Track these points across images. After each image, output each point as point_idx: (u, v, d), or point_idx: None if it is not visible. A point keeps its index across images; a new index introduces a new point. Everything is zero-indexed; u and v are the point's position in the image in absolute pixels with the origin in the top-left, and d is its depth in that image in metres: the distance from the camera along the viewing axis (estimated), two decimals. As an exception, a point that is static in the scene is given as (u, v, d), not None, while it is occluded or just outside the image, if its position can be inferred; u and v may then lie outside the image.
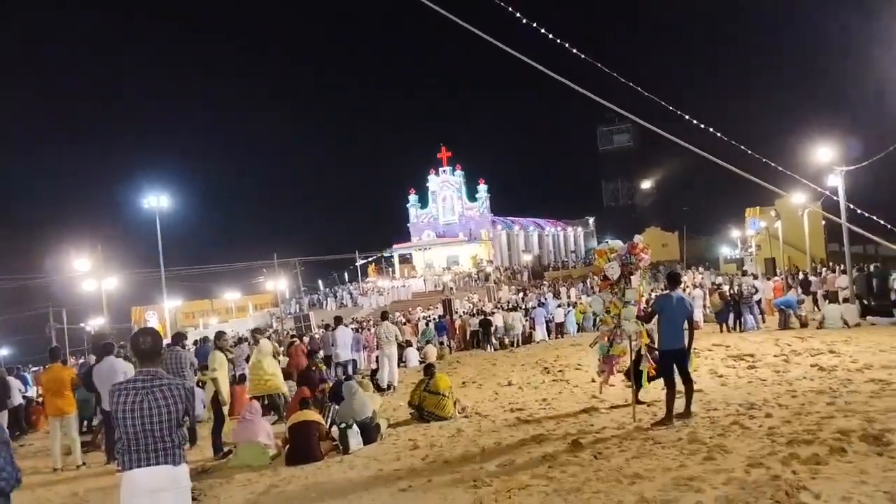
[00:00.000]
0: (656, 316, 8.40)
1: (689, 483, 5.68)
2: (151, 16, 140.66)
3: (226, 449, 9.68)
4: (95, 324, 37.23)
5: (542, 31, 10.34)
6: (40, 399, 15.73)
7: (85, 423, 12.86)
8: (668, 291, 8.64)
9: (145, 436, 3.88)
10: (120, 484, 3.98)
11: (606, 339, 8.96)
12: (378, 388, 14.74)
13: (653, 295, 9.27)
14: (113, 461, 9.87)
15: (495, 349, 24.82)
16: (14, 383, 13.87)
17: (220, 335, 11.45)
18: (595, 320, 29.22)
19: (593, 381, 12.42)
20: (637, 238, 8.79)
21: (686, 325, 8.49)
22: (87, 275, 31.89)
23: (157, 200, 32.03)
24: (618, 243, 8.91)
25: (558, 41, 10.55)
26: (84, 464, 9.93)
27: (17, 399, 14.13)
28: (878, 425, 6.75)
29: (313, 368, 12.72)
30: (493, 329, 26.05)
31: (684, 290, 13.15)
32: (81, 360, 22.77)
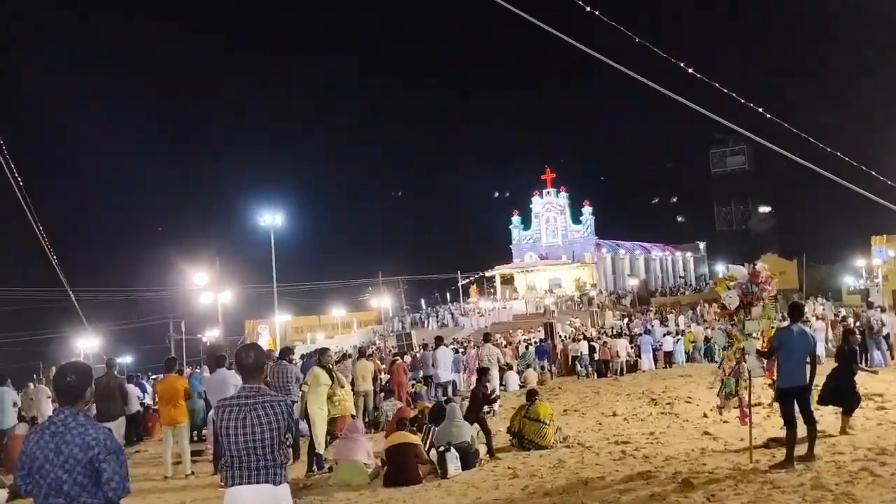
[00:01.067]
0: (777, 351, 7.86)
1: (814, 535, 5.22)
2: (273, 34, 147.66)
3: (326, 466, 9.76)
4: (211, 335, 38.95)
5: (657, 49, 10.04)
6: (156, 407, 16.50)
7: (195, 433, 13.32)
8: (788, 324, 8.09)
9: (248, 453, 3.89)
10: (223, 499, 4.02)
11: (728, 374, 8.39)
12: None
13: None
14: (220, 472, 10.16)
15: (579, 376, 24.45)
16: (133, 391, 14.55)
17: (323, 352, 11.45)
18: (705, 350, 28.31)
19: (705, 415, 11.82)
20: (760, 266, 8.27)
21: (808, 361, 7.89)
22: (205, 288, 33.47)
23: (271, 218, 33.28)
24: (740, 270, 8.38)
25: (673, 60, 10.21)
26: (193, 473, 10.24)
27: (135, 406, 14.82)
28: None
29: (483, 387, 12.21)
30: (578, 356, 25.61)
31: (805, 322, 12.20)
32: (196, 370, 23.78)
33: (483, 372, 12.24)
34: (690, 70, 10.14)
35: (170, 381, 10.46)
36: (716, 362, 24.47)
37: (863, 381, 14.05)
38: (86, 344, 31.71)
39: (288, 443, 4.12)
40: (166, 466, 10.22)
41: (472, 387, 16.82)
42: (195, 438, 12.91)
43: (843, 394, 9.49)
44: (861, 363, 17.53)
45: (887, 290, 40.91)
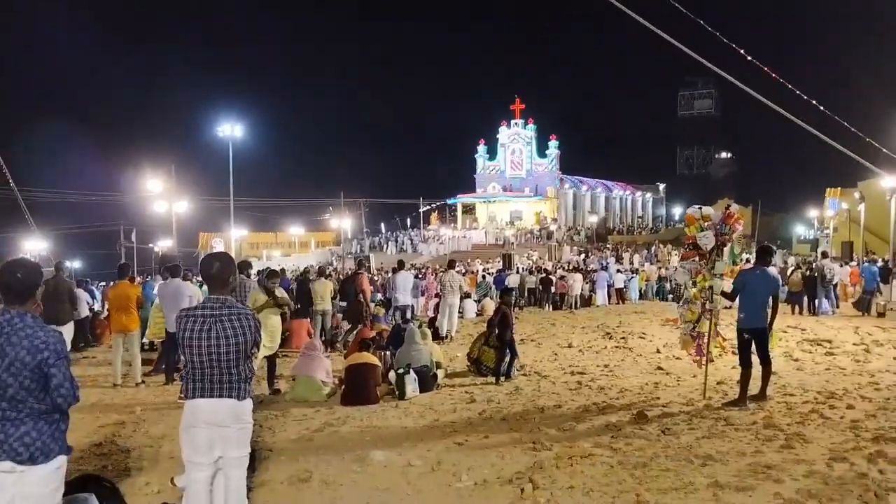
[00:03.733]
0: (739, 292, 7.90)
1: (766, 471, 5.31)
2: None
3: (276, 386, 9.51)
4: (164, 245, 38.20)
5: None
6: (106, 313, 16.13)
7: (145, 341, 13.07)
8: (752, 266, 8.12)
9: (211, 366, 3.73)
10: (183, 411, 3.86)
11: (691, 314, 8.38)
12: (436, 336, 14.63)
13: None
14: (171, 382, 10.00)
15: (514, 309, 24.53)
16: (82, 296, 14.17)
17: (271, 274, 10.38)
18: (657, 289, 28.86)
19: (658, 351, 12.04)
20: (733, 206, 8.24)
21: (770, 303, 7.95)
22: (160, 196, 32.58)
23: (230, 129, 32.24)
24: (710, 210, 8.32)
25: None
26: (143, 382, 10.07)
27: (85, 311, 14.45)
28: (978, 431, 6.22)
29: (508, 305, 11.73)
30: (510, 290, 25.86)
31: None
32: (147, 279, 23.33)
33: (508, 292, 11.98)
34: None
35: (122, 288, 10.14)
36: (667, 301, 24.95)
37: (812, 328, 14.51)
38: (33, 246, 30.75)
39: (254, 357, 3.95)
40: (116, 373, 9.99)
41: (430, 312, 16.81)
42: (146, 347, 12.69)
43: None
44: (809, 310, 18.07)
45: (836, 242, 41.98)
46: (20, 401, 3.16)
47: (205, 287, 10.72)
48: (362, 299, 13.73)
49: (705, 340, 8.26)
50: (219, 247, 47.24)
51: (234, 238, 42.87)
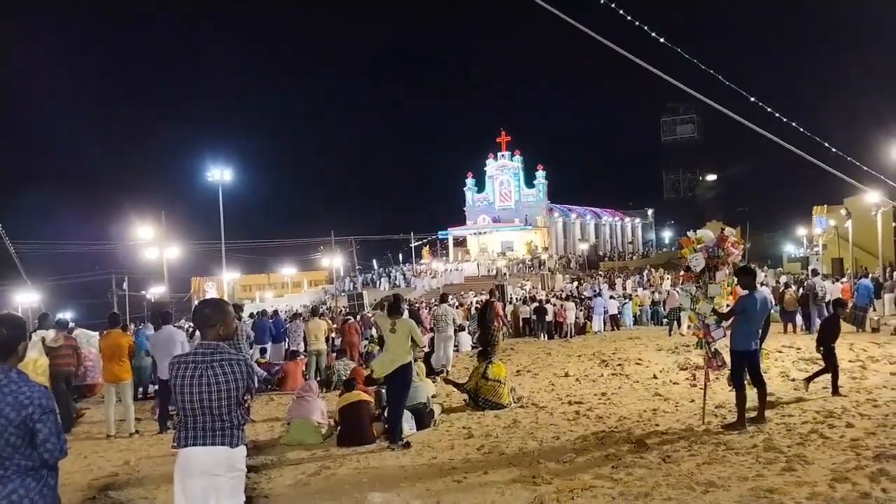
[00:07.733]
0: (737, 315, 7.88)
1: (768, 495, 5.26)
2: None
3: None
4: (156, 292, 38.01)
5: (619, 9, 9.84)
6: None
7: (140, 390, 12.95)
8: (750, 292, 8.05)
9: (203, 413, 3.68)
10: (176, 461, 3.80)
11: (702, 335, 8.33)
12: (431, 372, 14.54)
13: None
14: (166, 430, 9.88)
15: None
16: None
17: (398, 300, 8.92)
18: (651, 314, 28.85)
19: (655, 377, 11.99)
20: (728, 230, 8.26)
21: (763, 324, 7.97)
22: (150, 243, 32.51)
23: (220, 174, 32.35)
24: (707, 233, 8.34)
25: (629, 17, 10.02)
26: (137, 432, 9.95)
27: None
28: (979, 445, 6.20)
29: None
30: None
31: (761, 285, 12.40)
32: (141, 327, 23.18)
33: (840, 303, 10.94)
34: (646, 29, 9.96)
35: (113, 338, 10.07)
36: (661, 325, 24.98)
37: (806, 346, 14.48)
38: (24, 298, 30.58)
39: (247, 403, 3.90)
40: (109, 425, 9.88)
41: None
42: (139, 396, 12.56)
43: None
44: (804, 328, 18.07)
45: (826, 259, 42.18)
46: (6, 458, 3.10)
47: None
48: (497, 325, 13.93)
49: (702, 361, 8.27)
50: (211, 291, 47.08)
51: (226, 281, 42.72)
